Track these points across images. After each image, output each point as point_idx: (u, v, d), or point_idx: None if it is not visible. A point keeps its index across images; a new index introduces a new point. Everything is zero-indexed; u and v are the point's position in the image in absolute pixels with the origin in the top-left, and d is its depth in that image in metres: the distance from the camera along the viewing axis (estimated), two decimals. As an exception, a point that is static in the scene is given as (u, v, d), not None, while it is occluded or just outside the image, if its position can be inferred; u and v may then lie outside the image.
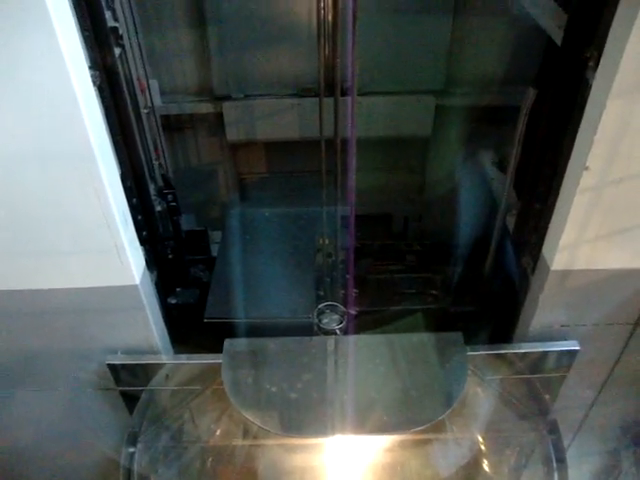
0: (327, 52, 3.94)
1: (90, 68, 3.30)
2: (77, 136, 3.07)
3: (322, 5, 3.74)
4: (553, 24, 3.85)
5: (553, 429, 4.15)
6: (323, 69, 3.91)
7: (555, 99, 3.72)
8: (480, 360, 4.21)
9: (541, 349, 4.21)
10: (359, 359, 4.15)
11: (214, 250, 5.47)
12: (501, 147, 5.20)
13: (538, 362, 4.28)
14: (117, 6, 4.19)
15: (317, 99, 4.01)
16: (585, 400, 4.83)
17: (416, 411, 3.86)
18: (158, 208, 4.71)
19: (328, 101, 4.01)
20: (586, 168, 3.28)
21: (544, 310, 4.06)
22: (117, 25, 4.18)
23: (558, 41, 3.69)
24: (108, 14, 4.02)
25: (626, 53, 2.88)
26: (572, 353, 4.20)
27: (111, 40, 3.79)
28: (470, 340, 4.17)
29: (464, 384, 3.93)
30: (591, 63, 3.24)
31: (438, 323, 4.60)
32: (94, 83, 3.34)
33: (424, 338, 4.23)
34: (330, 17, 3.75)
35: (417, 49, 5.41)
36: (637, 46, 2.86)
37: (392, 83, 5.55)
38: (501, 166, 5.14)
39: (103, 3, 3.75)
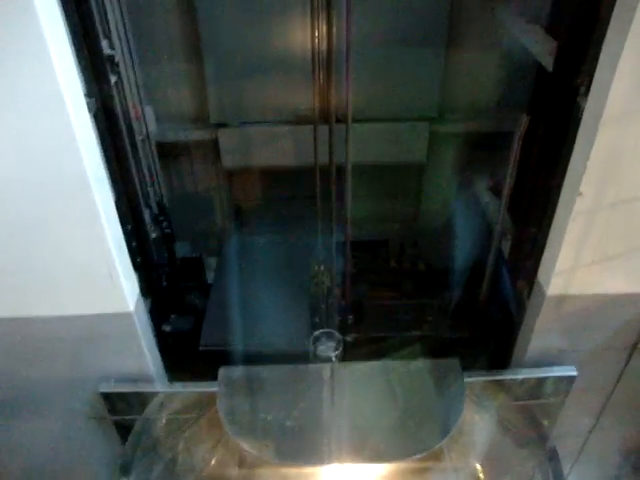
0: (322, 80, 3.98)
1: (86, 96, 3.32)
2: (72, 163, 3.08)
3: (317, 34, 3.80)
4: (543, 52, 3.91)
5: (552, 456, 4.11)
6: (318, 97, 3.96)
7: (548, 125, 3.77)
8: (477, 386, 4.18)
9: (538, 375, 4.19)
10: (355, 386, 4.12)
11: (210, 277, 5.46)
12: (495, 172, 5.23)
13: (536, 388, 4.25)
14: (114, 34, 4.23)
15: (312, 126, 4.04)
16: (584, 426, 4.79)
17: (413, 439, 3.83)
18: (153, 235, 4.70)
19: (323, 128, 4.04)
20: (579, 193, 3.30)
21: (541, 335, 4.05)
22: (113, 53, 4.22)
23: (549, 68, 3.74)
24: (105, 43, 4.06)
25: (615, 80, 2.92)
26: (570, 378, 4.18)
27: (107, 68, 3.82)
28: (467, 366, 4.15)
29: (461, 411, 3.90)
30: (582, 90, 3.29)
31: (435, 349, 4.57)
32: (90, 110, 3.36)
33: (421, 365, 4.21)
34: (325, 46, 3.81)
35: (411, 76, 5.45)
36: (626, 73, 2.90)
37: (387, 110, 5.59)
38: (496, 191, 5.17)
39: (100, 32, 3.79)
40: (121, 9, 4.38)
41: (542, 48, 3.97)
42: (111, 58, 4.15)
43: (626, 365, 4.28)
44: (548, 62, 3.77)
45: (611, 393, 4.50)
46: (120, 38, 4.34)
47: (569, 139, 3.43)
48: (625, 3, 2.82)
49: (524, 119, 4.04)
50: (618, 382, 4.41)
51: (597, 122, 3.08)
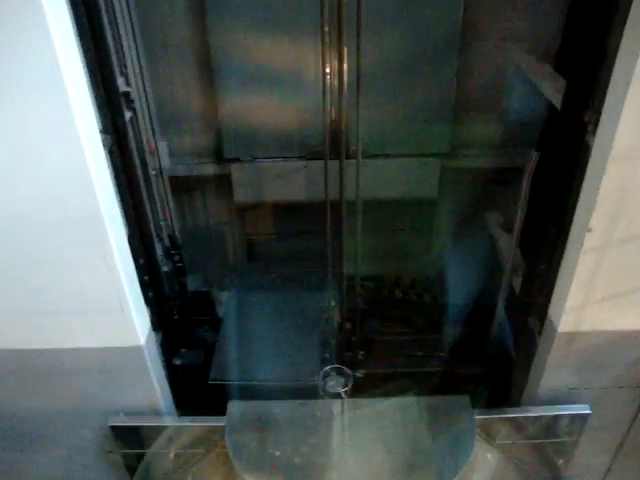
0: (333, 117, 4.03)
1: (101, 132, 3.40)
2: (86, 198, 3.14)
3: (328, 71, 3.87)
4: (552, 89, 3.95)
5: (567, 497, 4.04)
6: (328, 133, 4.01)
7: (557, 161, 3.78)
8: (488, 424, 4.12)
9: (550, 412, 4.13)
10: (364, 423, 4.08)
11: (220, 311, 5.47)
12: (506, 208, 5.23)
13: (548, 426, 4.18)
14: (130, 71, 4.34)
15: (323, 162, 4.09)
16: (600, 466, 4.69)
17: (423, 477, 3.77)
18: (165, 268, 4.74)
19: (334, 164, 4.09)
20: (589, 230, 3.30)
21: (552, 372, 4.00)
22: (129, 90, 4.32)
23: (558, 105, 3.77)
24: (121, 80, 4.16)
25: (623, 117, 2.95)
26: (583, 417, 4.10)
27: (123, 104, 3.91)
28: (477, 403, 4.10)
29: (472, 449, 3.84)
30: (590, 127, 3.31)
31: (445, 385, 4.53)
32: (104, 147, 3.42)
33: (431, 401, 4.16)
34: (336, 82, 3.87)
35: (422, 112, 5.52)
36: (633, 110, 2.93)
37: (398, 146, 5.64)
38: (506, 227, 5.16)
39: (116, 70, 3.89)
40: (137, 45, 4.49)
41: (551, 86, 4.02)
42: (127, 94, 4.25)
43: (641, 404, 4.22)
44: (557, 100, 3.81)
45: (627, 432, 4.41)
46: (135, 74, 4.44)
47: (578, 175, 3.44)
48: (630, 42, 2.86)
49: (534, 155, 4.06)
50: (634, 421, 4.33)
51: (606, 159, 3.09)
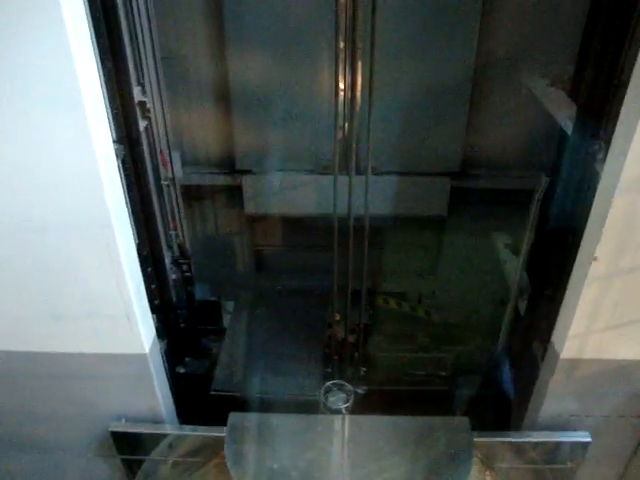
0: (344, 132, 4.06)
1: (115, 142, 3.44)
2: (97, 208, 3.18)
3: (341, 88, 3.90)
4: (563, 115, 3.95)
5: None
6: (339, 149, 4.03)
7: (566, 187, 3.79)
8: (487, 447, 4.11)
9: (551, 439, 4.10)
10: (364, 440, 4.07)
11: (226, 320, 5.50)
12: (514, 230, 5.23)
13: (548, 452, 4.16)
14: (146, 81, 4.37)
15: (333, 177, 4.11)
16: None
17: (419, 498, 3.77)
18: (173, 277, 4.77)
19: (344, 179, 4.11)
20: (595, 258, 3.30)
21: (553, 398, 3.99)
22: (145, 100, 4.36)
23: (568, 132, 3.78)
24: (137, 90, 4.20)
25: (633, 147, 2.94)
26: (584, 444, 4.08)
27: (138, 114, 3.94)
28: (477, 425, 4.09)
29: (469, 471, 3.83)
30: (599, 156, 3.31)
31: (446, 405, 4.53)
32: (117, 157, 3.47)
33: (430, 421, 4.15)
34: (349, 98, 3.91)
35: (434, 132, 5.55)
36: (643, 141, 2.92)
37: (409, 164, 5.67)
38: (514, 249, 5.16)
39: (133, 80, 3.93)
40: (154, 55, 4.52)
41: (562, 111, 4.02)
42: (143, 104, 4.29)
43: (643, 434, 4.19)
44: (567, 126, 3.82)
45: (628, 463, 4.38)
46: (152, 84, 4.47)
47: (587, 203, 3.44)
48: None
49: (543, 180, 4.08)
50: (635, 453, 4.30)
51: (614, 188, 3.09)
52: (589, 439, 4.05)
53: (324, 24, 4.71)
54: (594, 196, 3.34)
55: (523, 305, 4.47)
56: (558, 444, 4.11)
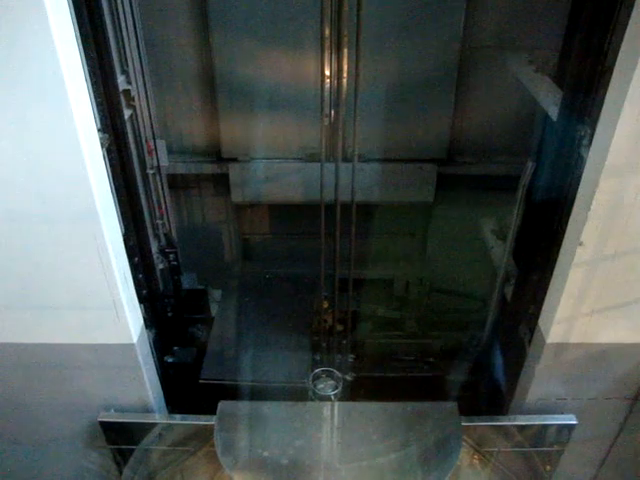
0: (330, 120, 4.05)
1: (99, 131, 3.40)
2: (82, 197, 3.15)
3: (327, 75, 3.88)
4: (549, 101, 3.96)
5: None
6: (326, 136, 4.02)
7: (552, 173, 3.80)
8: (475, 431, 4.15)
9: (537, 422, 4.16)
10: (353, 426, 4.10)
11: (214, 308, 5.49)
12: (501, 216, 5.27)
13: (535, 435, 4.21)
14: (131, 69, 4.34)
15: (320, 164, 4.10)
16: (585, 476, 4.72)
17: (409, 482, 3.80)
18: (160, 266, 4.76)
19: (331, 166, 4.10)
20: (580, 243, 3.32)
21: (540, 382, 4.04)
22: (130, 88, 4.33)
23: (554, 117, 3.79)
24: (122, 78, 4.18)
25: (617, 132, 2.96)
26: (569, 427, 4.13)
27: (122, 102, 3.92)
28: (465, 410, 4.12)
29: (458, 455, 3.87)
30: (585, 141, 3.33)
31: (434, 391, 4.56)
32: (102, 145, 3.43)
33: (419, 407, 4.19)
34: (335, 86, 3.89)
35: (421, 119, 5.55)
36: (628, 126, 2.94)
37: (396, 151, 5.67)
38: (501, 234, 5.19)
39: (117, 68, 3.90)
40: (138, 44, 4.48)
41: (548, 97, 4.03)
42: (127, 92, 4.26)
43: (628, 416, 4.24)
44: (553, 111, 3.83)
45: (612, 444, 4.44)
46: (136, 72, 4.43)
47: (572, 188, 3.47)
48: (627, 60, 2.87)
49: (529, 166, 4.09)
50: (620, 434, 4.36)
51: (599, 173, 3.11)
52: (575, 422, 4.11)
53: (310, 11, 4.71)
54: (579, 181, 3.37)
55: (510, 290, 4.50)
56: (545, 427, 4.17)
